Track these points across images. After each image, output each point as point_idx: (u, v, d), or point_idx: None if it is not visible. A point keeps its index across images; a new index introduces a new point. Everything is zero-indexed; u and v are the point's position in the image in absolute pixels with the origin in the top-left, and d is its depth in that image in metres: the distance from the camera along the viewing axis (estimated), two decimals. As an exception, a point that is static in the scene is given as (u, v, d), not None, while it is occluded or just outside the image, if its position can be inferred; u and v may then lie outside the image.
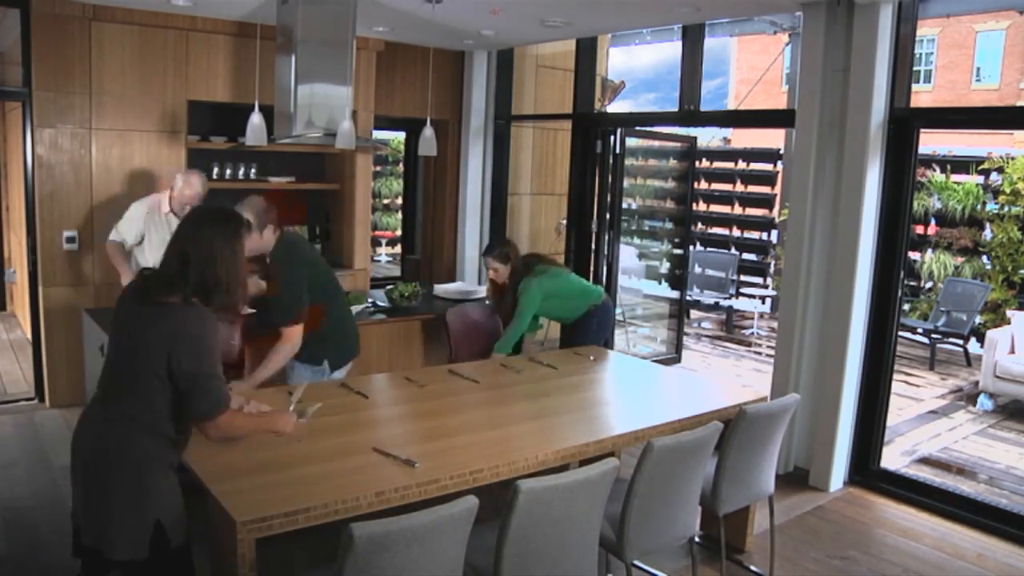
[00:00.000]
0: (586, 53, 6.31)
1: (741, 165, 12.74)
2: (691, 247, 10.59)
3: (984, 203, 9.35)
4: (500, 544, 2.28)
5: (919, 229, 9.72)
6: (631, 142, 6.63)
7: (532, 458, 2.66)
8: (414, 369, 3.74)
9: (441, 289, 5.41)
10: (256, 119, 4.29)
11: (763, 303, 9.93)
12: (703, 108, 5.52)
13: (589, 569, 2.55)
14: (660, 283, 8.40)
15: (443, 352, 4.57)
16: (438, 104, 6.71)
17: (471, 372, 3.59)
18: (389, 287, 4.80)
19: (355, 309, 4.46)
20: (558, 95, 6.98)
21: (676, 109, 5.55)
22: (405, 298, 4.66)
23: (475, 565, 2.38)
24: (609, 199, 6.23)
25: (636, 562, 2.93)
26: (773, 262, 11.29)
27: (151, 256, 4.50)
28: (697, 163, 11.69)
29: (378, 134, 6.85)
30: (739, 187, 12.59)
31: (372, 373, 3.84)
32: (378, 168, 12.51)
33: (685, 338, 7.96)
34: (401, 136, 8.39)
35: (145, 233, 4.53)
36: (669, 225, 7.90)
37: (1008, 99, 15.05)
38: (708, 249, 11.84)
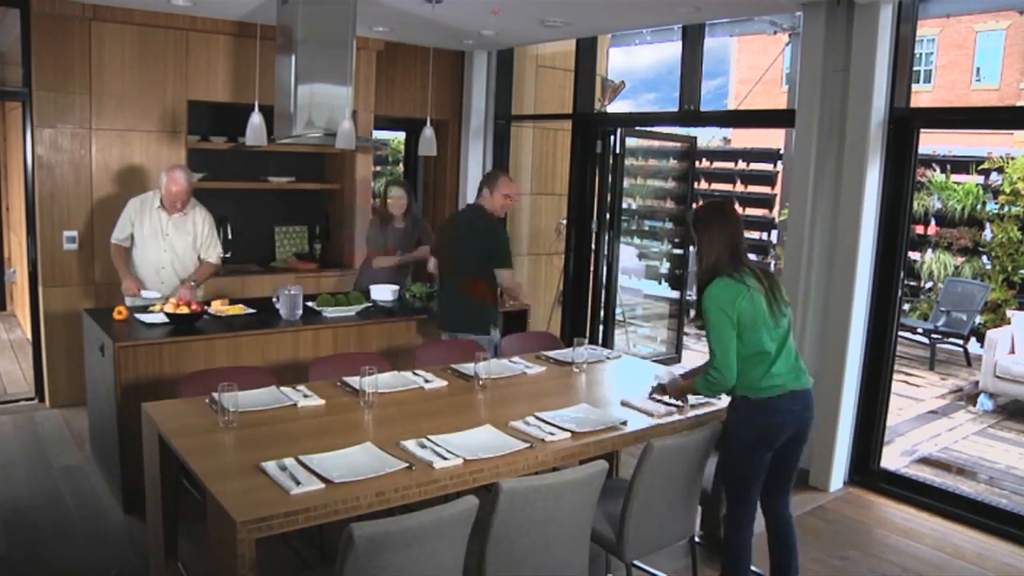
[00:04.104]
0: (586, 53, 6.31)
1: (741, 165, 12.74)
2: (691, 247, 10.58)
3: (984, 203, 9.36)
4: (483, 543, 2.28)
5: (919, 229, 9.72)
6: (631, 142, 6.63)
7: (532, 458, 2.66)
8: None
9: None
10: (256, 119, 4.28)
11: (763, 303, 9.90)
12: (703, 108, 5.52)
13: (579, 570, 2.56)
14: (660, 283, 8.41)
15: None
16: (438, 104, 6.71)
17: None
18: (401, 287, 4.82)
19: (355, 309, 4.47)
20: (558, 95, 6.98)
21: (676, 109, 5.55)
22: (417, 298, 4.65)
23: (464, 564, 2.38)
24: (609, 199, 6.23)
25: (636, 562, 2.94)
26: (773, 262, 11.29)
27: (144, 250, 4.49)
28: (697, 163, 11.68)
29: (378, 134, 6.84)
30: (739, 187, 12.59)
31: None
32: (378, 168, 12.48)
33: (685, 338, 7.96)
34: (401, 136, 8.39)
35: (136, 228, 4.48)
36: (669, 225, 7.90)
37: (1008, 99, 15.05)
38: (708, 249, 11.81)
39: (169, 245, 4.51)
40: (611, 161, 6.19)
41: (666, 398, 3.18)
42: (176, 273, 4.55)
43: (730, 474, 2.96)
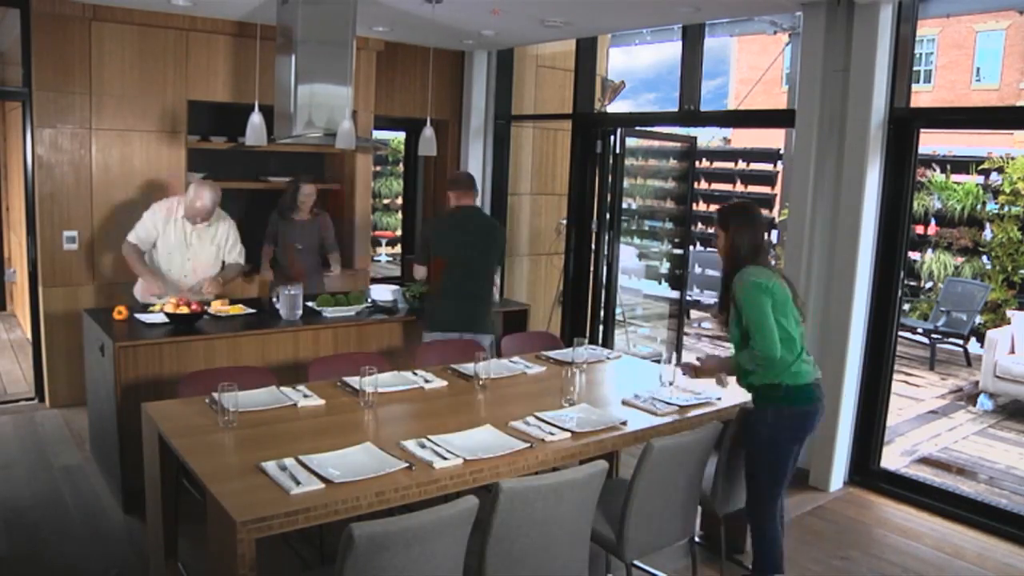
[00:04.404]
0: (586, 53, 6.31)
1: (741, 165, 12.76)
2: (691, 247, 10.59)
3: (984, 203, 9.36)
4: (483, 543, 2.28)
5: (919, 229, 9.73)
6: (631, 142, 6.62)
7: (532, 458, 2.66)
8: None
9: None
10: (256, 119, 4.28)
11: (763, 303, 9.90)
12: (703, 108, 5.52)
13: (579, 570, 2.56)
14: (660, 283, 8.41)
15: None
16: (438, 104, 6.71)
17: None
18: (401, 287, 4.82)
19: (355, 309, 4.47)
20: (558, 95, 6.98)
21: (676, 109, 5.55)
22: (417, 299, 4.65)
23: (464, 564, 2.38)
24: (609, 199, 6.23)
25: (636, 562, 2.94)
26: (773, 262, 11.29)
27: (165, 258, 4.45)
28: (697, 163, 11.70)
29: (378, 134, 6.85)
30: (739, 187, 12.60)
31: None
32: (378, 168, 12.52)
33: (685, 338, 7.96)
34: (401, 136, 8.40)
35: (160, 236, 4.43)
36: (669, 225, 7.90)
37: (1008, 99, 15.05)
38: (708, 249, 11.83)
39: (194, 254, 4.48)
40: (611, 161, 6.19)
41: (700, 380, 3.33)
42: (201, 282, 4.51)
43: (766, 470, 2.95)
